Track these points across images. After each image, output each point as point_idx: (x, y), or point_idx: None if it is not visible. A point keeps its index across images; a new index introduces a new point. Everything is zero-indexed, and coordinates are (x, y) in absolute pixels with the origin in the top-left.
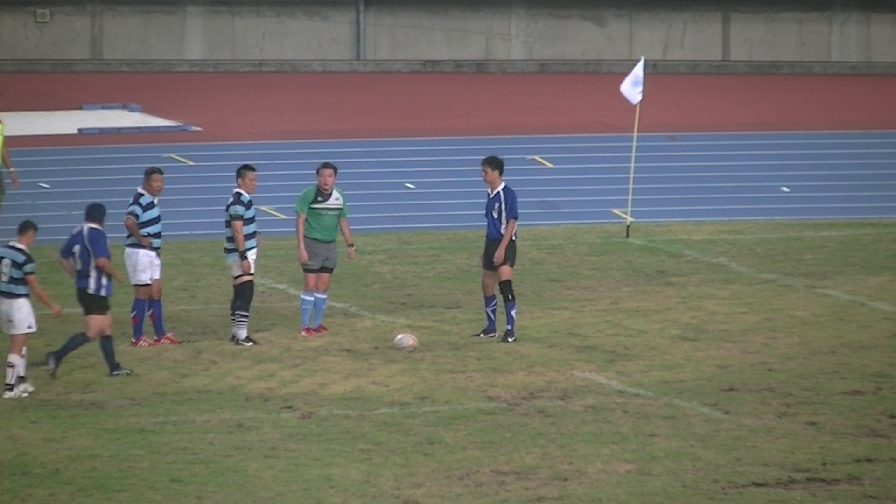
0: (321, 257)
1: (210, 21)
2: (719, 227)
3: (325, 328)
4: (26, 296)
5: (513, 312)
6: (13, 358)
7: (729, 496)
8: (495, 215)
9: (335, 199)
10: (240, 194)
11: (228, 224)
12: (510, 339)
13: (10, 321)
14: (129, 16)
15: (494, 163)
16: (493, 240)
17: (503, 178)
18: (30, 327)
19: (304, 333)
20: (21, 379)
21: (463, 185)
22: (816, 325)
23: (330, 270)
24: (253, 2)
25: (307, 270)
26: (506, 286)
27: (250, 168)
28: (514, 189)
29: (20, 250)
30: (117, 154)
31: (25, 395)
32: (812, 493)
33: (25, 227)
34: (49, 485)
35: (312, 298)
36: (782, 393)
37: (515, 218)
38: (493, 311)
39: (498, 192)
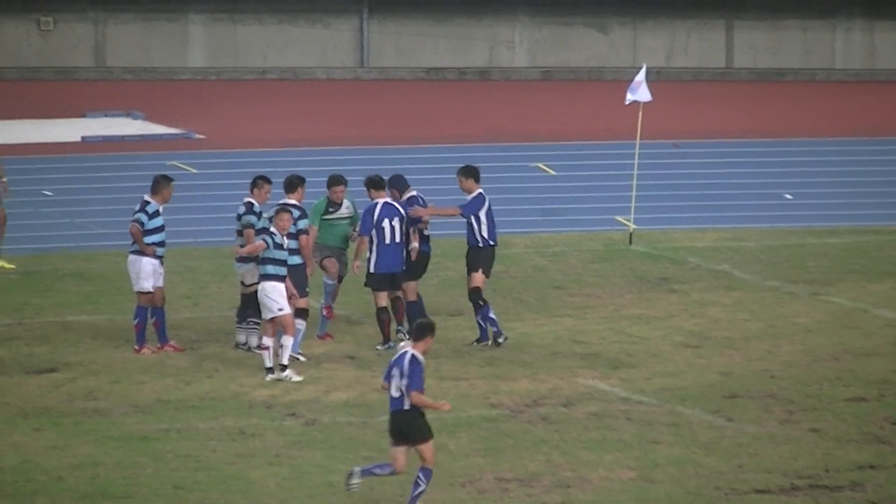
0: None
1: (212, 29)
2: (722, 235)
3: (330, 336)
4: (277, 278)
5: (490, 315)
6: (285, 339)
7: (732, 503)
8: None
9: (346, 209)
10: (252, 204)
11: (241, 233)
12: (500, 340)
13: (263, 305)
14: (131, 23)
15: (466, 171)
16: (472, 246)
17: (481, 185)
18: (280, 310)
19: (324, 312)
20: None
21: None
22: (819, 332)
23: (340, 279)
24: (255, 10)
25: (326, 257)
26: (474, 294)
27: (267, 181)
28: (488, 196)
29: (272, 233)
30: (120, 162)
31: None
32: (815, 499)
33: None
34: (52, 492)
35: (334, 282)
36: (785, 400)
37: (464, 216)
38: (483, 319)
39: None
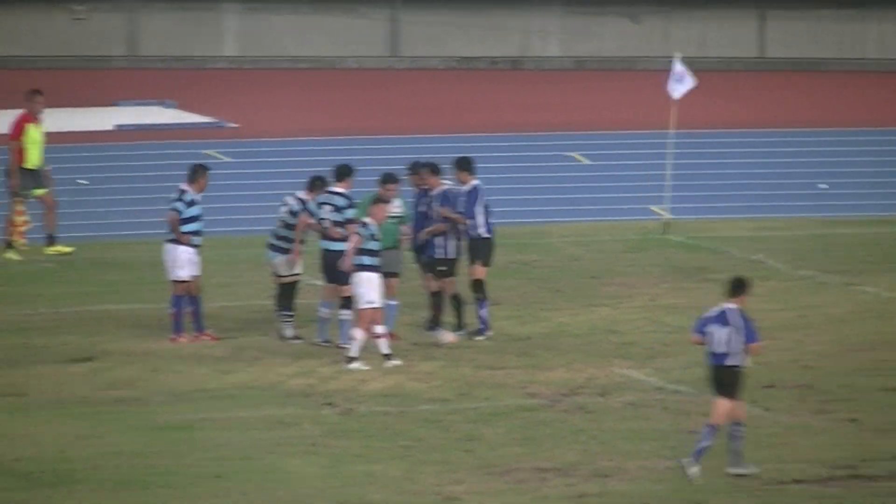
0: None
1: (246, 18)
2: (757, 224)
3: (395, 335)
4: (372, 269)
5: (482, 312)
6: (356, 332)
7: (769, 493)
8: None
9: (397, 207)
10: (304, 202)
11: (287, 226)
12: (479, 337)
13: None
14: (165, 12)
15: (460, 164)
16: (470, 239)
17: (477, 175)
18: (369, 303)
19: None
20: (386, 357)
21: (499, 182)
22: (852, 322)
23: (395, 275)
24: None
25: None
26: (476, 286)
27: (325, 182)
28: (484, 187)
29: (366, 224)
30: (154, 150)
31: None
32: (852, 490)
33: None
34: (90, 480)
35: (395, 303)
36: (819, 390)
37: (468, 218)
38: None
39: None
